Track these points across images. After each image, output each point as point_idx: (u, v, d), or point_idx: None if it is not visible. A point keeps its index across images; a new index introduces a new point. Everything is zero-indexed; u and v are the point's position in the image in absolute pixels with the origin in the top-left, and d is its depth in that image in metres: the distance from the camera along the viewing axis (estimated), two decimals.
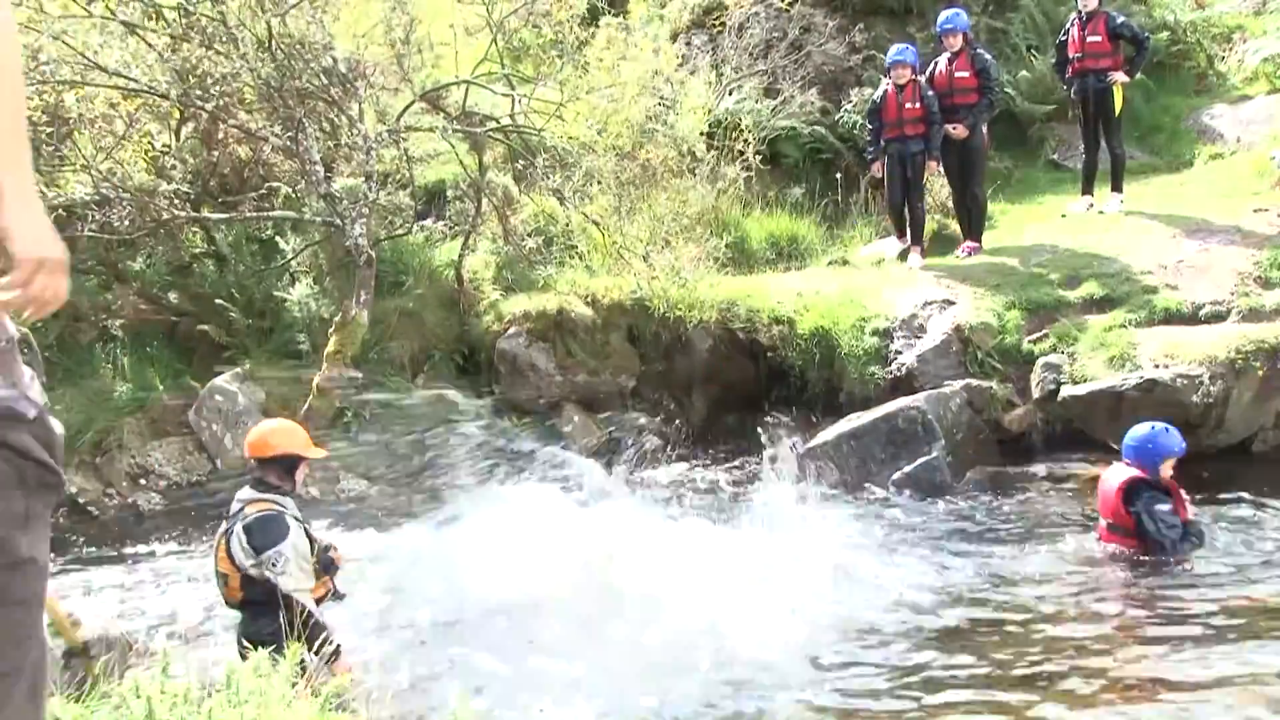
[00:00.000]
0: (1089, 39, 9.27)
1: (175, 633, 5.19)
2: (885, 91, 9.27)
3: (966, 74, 9.11)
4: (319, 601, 4.57)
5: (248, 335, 8.54)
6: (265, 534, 4.41)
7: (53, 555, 3.15)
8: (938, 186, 10.07)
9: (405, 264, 9.26)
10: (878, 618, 5.36)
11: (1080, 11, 9.36)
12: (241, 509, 4.56)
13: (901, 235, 9.61)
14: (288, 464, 4.67)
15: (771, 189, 10.74)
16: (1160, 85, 11.37)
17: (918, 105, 9.09)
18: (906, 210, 9.46)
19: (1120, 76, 9.23)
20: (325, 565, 4.68)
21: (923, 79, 9.29)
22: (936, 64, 9.35)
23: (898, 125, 9.17)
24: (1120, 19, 9.35)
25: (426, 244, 9.73)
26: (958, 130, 9.09)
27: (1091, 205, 9.64)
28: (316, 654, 3.94)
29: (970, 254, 9.26)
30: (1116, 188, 9.59)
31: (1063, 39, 9.55)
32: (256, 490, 4.61)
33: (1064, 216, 9.66)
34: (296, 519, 4.57)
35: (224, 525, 4.60)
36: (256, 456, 4.64)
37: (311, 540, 4.61)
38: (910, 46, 9.49)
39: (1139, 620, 5.08)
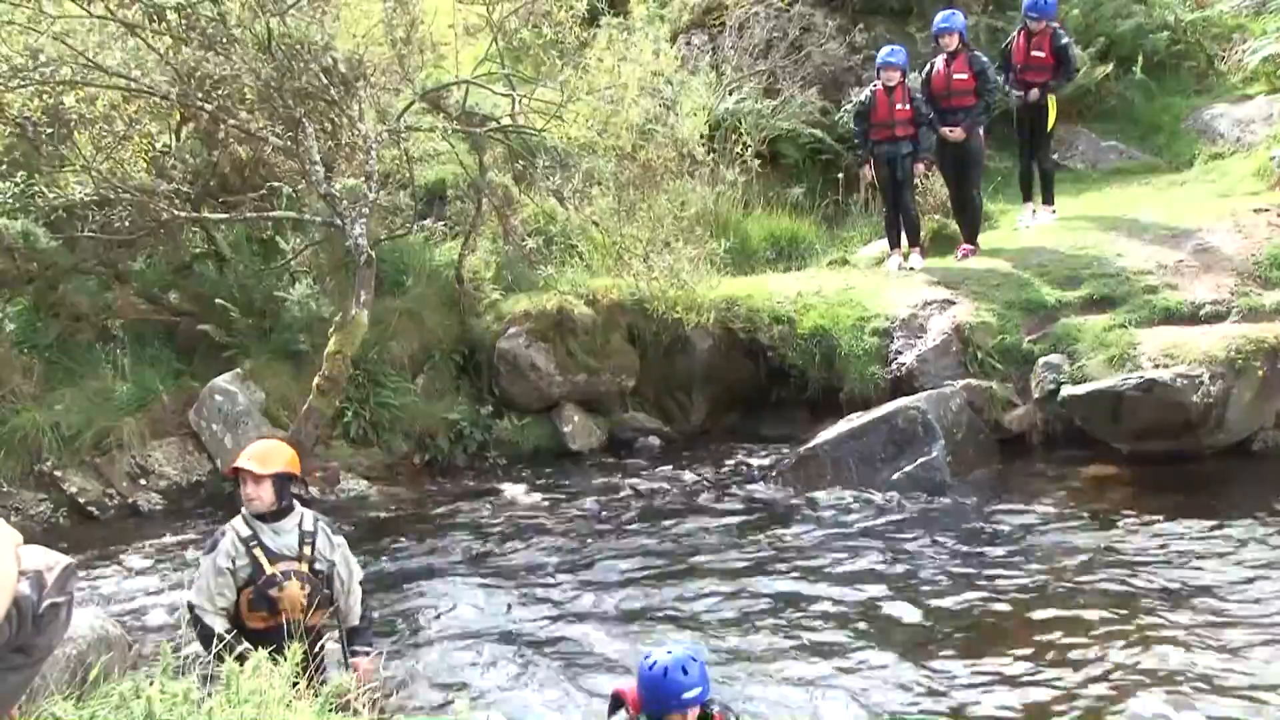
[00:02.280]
0: (1033, 53, 9.26)
1: (175, 633, 5.19)
2: (874, 93, 9.23)
3: (964, 75, 9.06)
4: (263, 632, 4.16)
5: (248, 335, 8.54)
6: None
7: None
8: (938, 187, 10.04)
9: (405, 264, 9.27)
10: (877, 617, 5.37)
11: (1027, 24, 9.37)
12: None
13: (895, 247, 9.43)
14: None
15: (771, 189, 10.73)
16: (1160, 85, 11.36)
17: (907, 107, 9.04)
18: (900, 216, 9.38)
19: (1036, 94, 9.21)
20: (263, 598, 4.26)
21: (913, 80, 9.25)
22: (933, 64, 9.28)
23: (887, 127, 9.09)
24: (1065, 39, 9.33)
25: (426, 244, 9.72)
26: (955, 133, 9.04)
27: (1035, 212, 9.67)
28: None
29: (966, 256, 9.24)
30: (1047, 200, 9.67)
31: (1005, 47, 9.54)
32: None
33: (1015, 230, 9.63)
34: (246, 540, 4.29)
35: None
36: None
37: (258, 566, 4.26)
38: (900, 48, 9.40)
39: (1141, 617, 5.08)
